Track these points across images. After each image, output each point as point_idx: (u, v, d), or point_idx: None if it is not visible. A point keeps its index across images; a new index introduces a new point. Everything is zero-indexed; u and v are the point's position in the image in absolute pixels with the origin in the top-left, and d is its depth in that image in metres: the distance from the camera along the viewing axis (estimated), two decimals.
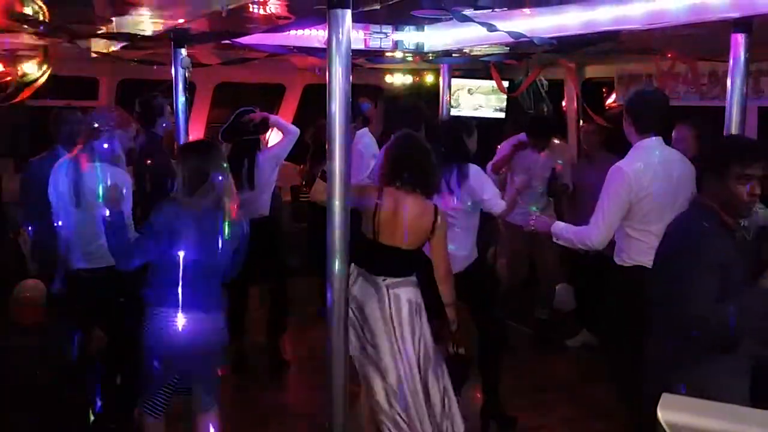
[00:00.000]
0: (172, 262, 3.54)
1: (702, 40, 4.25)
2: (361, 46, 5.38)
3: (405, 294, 3.78)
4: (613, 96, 6.93)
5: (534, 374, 5.70)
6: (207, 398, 3.80)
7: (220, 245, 3.59)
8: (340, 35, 2.62)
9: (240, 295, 5.56)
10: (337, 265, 2.74)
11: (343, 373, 2.82)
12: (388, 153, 3.92)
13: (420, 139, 4.06)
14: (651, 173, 3.72)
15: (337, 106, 2.67)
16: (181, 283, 3.55)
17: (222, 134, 5.59)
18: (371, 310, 3.74)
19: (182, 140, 4.58)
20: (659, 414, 1.15)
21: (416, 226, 3.77)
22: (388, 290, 3.76)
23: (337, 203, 2.70)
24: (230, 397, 5.11)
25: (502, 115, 8.20)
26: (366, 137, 5.98)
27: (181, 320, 3.56)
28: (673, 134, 4.62)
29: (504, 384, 4.87)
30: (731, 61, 3.60)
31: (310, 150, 7.37)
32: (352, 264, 3.80)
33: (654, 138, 3.81)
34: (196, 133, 7.90)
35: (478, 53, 5.52)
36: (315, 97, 7.26)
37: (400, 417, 3.71)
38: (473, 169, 4.59)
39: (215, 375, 3.78)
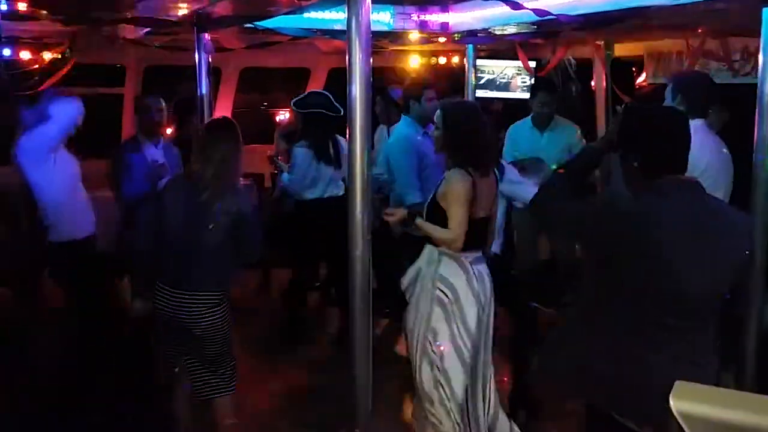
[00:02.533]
0: (163, 234, 3.65)
1: (733, 15, 4.14)
2: (385, 28, 5.33)
3: (484, 269, 3.86)
4: (643, 75, 6.79)
5: None
6: (212, 380, 3.76)
7: (209, 220, 3.58)
8: (360, 16, 2.59)
9: (305, 270, 6.01)
10: (359, 246, 2.72)
11: (368, 357, 2.81)
12: (451, 126, 3.82)
13: (481, 115, 3.98)
14: (698, 155, 3.68)
15: (357, 89, 2.64)
16: (169, 256, 3.65)
17: (294, 103, 5.78)
18: (461, 285, 3.75)
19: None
20: (672, 403, 1.11)
21: (490, 194, 3.86)
22: (471, 267, 3.79)
23: (358, 186, 2.68)
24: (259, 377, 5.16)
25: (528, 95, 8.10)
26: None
27: (168, 294, 3.63)
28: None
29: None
30: (762, 37, 3.50)
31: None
32: (427, 245, 3.88)
33: (699, 120, 3.81)
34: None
35: (504, 33, 5.44)
36: (341, 81, 7.22)
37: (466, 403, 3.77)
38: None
39: (216, 357, 3.73)
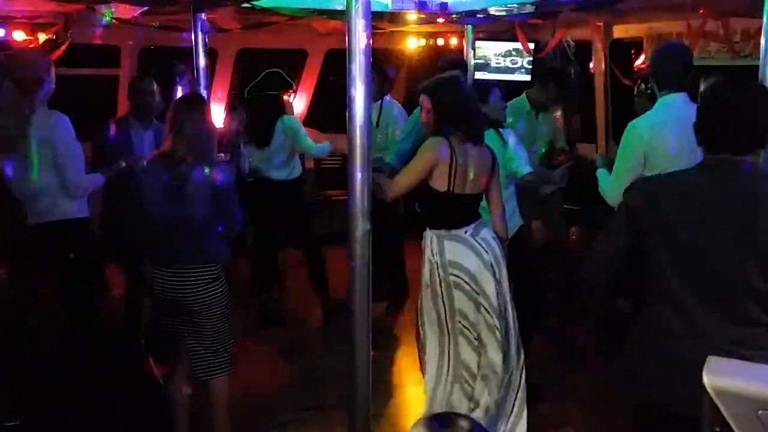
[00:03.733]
0: (148, 214, 3.64)
1: None
2: (384, 8, 5.27)
3: (488, 234, 3.84)
4: (642, 57, 6.75)
5: (562, 341, 5.61)
6: (211, 360, 3.75)
7: (189, 194, 3.57)
8: None
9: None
10: (359, 228, 2.70)
11: (367, 339, 2.79)
12: (440, 104, 3.82)
13: (464, 84, 3.99)
14: (668, 128, 3.62)
15: (357, 68, 2.60)
16: (157, 236, 3.64)
17: (247, 91, 5.80)
18: (472, 264, 3.75)
19: None
20: (705, 379, 1.07)
21: (481, 169, 3.81)
22: (474, 239, 3.78)
23: (357, 165, 2.64)
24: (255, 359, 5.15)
25: (527, 77, 8.03)
26: (395, 108, 6.10)
27: (162, 274, 3.64)
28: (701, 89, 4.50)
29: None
30: (765, 18, 3.46)
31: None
32: (427, 231, 3.87)
33: (678, 94, 3.72)
34: (219, 99, 7.88)
35: (503, 13, 5.39)
36: (338, 62, 7.17)
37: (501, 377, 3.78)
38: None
39: (215, 335, 3.72)
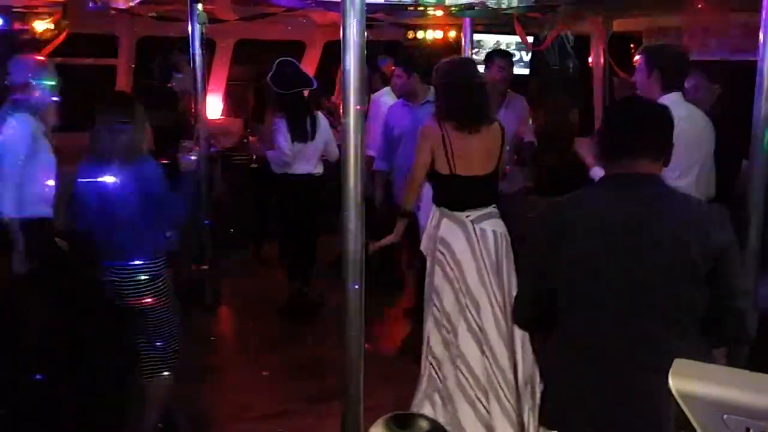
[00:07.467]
0: (87, 213, 3.62)
1: None
2: (381, 0, 5.26)
3: (490, 226, 3.81)
4: None
5: None
6: (157, 360, 3.73)
7: (114, 194, 3.55)
8: None
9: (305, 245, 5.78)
10: (352, 219, 2.70)
11: (360, 331, 2.80)
12: (445, 87, 3.83)
13: (473, 69, 3.98)
14: (678, 125, 3.60)
15: (351, 61, 2.60)
16: (96, 235, 3.61)
17: (270, 80, 5.52)
18: (459, 247, 3.76)
19: (199, 96, 4.54)
20: (671, 382, 1.05)
21: (488, 149, 3.80)
22: (473, 225, 3.77)
23: (351, 158, 2.64)
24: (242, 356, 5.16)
25: (526, 71, 8.03)
26: (385, 96, 5.86)
27: (102, 272, 3.60)
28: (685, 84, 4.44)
29: None
30: (763, 13, 3.45)
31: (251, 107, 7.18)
32: (433, 205, 3.92)
33: (676, 93, 3.71)
34: (217, 90, 7.87)
35: (502, 6, 5.38)
36: (336, 54, 7.13)
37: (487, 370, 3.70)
38: None
39: (160, 332, 3.70)
